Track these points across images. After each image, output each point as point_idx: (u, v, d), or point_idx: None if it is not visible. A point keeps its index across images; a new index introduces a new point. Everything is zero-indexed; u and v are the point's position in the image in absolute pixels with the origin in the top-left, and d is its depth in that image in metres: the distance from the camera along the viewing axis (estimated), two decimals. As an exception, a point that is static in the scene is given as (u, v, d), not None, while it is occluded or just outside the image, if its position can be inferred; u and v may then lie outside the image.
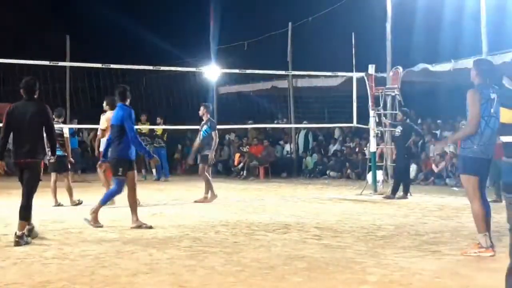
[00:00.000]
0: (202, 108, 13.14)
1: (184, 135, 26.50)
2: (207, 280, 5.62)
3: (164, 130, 20.16)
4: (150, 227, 8.80)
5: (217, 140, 12.93)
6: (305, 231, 8.54)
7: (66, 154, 12.44)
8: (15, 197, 13.85)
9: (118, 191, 9.18)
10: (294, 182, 19.44)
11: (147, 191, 15.64)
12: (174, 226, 9.08)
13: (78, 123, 19.88)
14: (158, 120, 20.27)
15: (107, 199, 9.32)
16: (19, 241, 7.49)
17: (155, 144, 20.16)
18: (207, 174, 12.77)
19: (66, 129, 12.75)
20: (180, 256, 6.76)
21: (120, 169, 8.91)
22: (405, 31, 20.46)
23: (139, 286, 5.44)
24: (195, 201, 12.66)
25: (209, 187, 12.77)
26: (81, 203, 12.16)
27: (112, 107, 11.22)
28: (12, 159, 8.14)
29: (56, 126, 12.26)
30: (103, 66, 14.46)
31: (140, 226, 8.85)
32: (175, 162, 24.30)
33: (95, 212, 8.99)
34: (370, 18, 19.96)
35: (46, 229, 8.77)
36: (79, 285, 5.46)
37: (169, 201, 13.09)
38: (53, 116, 12.01)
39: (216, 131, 12.87)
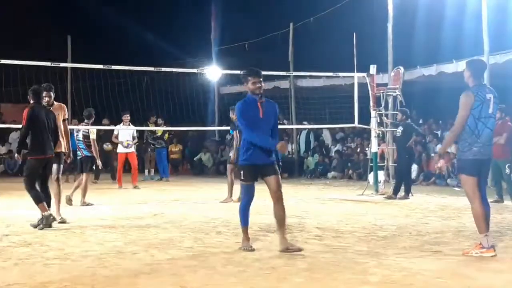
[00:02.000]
0: (231, 112, 13.18)
1: (185, 136, 26.54)
2: (209, 280, 5.62)
3: (164, 130, 20.18)
4: (299, 250, 6.99)
5: (238, 140, 12.86)
6: (307, 232, 8.54)
7: (91, 155, 12.51)
8: (16, 198, 13.88)
9: (244, 198, 7.36)
10: (295, 182, 19.43)
11: (148, 191, 15.68)
12: (176, 227, 9.07)
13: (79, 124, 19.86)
14: (159, 121, 20.28)
15: (242, 214, 7.32)
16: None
17: (156, 146, 20.19)
18: (231, 176, 12.86)
19: (93, 130, 12.79)
20: (182, 256, 6.76)
21: (241, 172, 7.31)
22: (406, 31, 20.47)
23: (140, 287, 5.44)
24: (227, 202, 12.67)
25: (231, 189, 12.87)
26: (91, 205, 12.20)
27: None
28: (38, 156, 9.02)
29: (84, 127, 12.44)
30: (105, 67, 14.45)
31: (287, 248, 7.01)
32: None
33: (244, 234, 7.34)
34: (371, 18, 19.96)
35: (47, 229, 8.74)
36: (81, 285, 5.46)
37: (171, 201, 13.09)
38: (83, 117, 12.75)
39: (237, 131, 12.84)
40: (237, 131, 12.86)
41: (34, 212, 10.39)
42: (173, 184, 18.59)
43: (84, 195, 12.26)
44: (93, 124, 13.21)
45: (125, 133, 17.11)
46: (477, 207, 6.73)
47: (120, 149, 17.28)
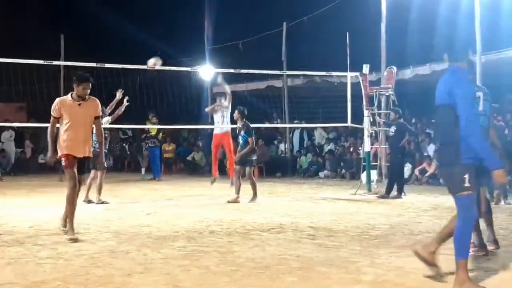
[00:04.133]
0: (236, 112, 12.98)
1: (178, 135, 26.53)
2: (202, 279, 5.62)
3: (158, 129, 20.17)
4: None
5: (253, 145, 12.80)
6: (300, 231, 8.55)
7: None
8: (9, 197, 13.87)
9: (472, 212, 5.28)
10: (288, 181, 19.45)
11: (141, 191, 15.66)
12: (169, 226, 9.07)
13: None
14: (154, 120, 20.26)
15: (466, 241, 5.32)
16: None
17: (150, 144, 20.18)
18: (253, 177, 12.81)
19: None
20: (175, 255, 6.76)
21: (464, 177, 5.15)
22: (399, 30, 20.52)
23: (133, 286, 5.44)
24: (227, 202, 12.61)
25: (252, 188, 12.73)
26: (106, 203, 12.26)
27: None
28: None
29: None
30: (98, 66, 14.42)
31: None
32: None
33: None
34: (365, 18, 19.99)
35: (40, 229, 8.74)
36: (74, 285, 5.45)
37: (164, 201, 13.09)
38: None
39: (253, 137, 12.78)
40: (253, 138, 12.75)
41: (30, 212, 10.41)
42: (166, 183, 18.58)
43: (100, 192, 12.35)
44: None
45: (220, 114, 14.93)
46: None
47: (215, 130, 15.15)
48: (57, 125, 8.24)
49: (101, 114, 8.63)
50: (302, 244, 7.43)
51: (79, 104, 8.14)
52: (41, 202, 12.69)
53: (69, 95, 8.23)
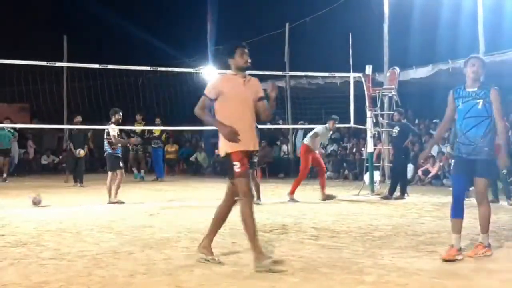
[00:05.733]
0: None
1: (181, 136, 26.55)
2: (204, 280, 5.61)
3: (162, 130, 20.18)
4: None
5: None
6: (302, 232, 8.54)
7: (112, 152, 12.51)
8: (11, 197, 13.88)
9: None
10: (291, 182, 19.38)
11: (144, 191, 15.67)
12: (172, 227, 9.07)
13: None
14: (157, 121, 20.25)
15: None
16: None
17: (153, 145, 20.18)
18: (256, 178, 12.72)
19: (112, 128, 12.65)
20: (177, 256, 6.76)
21: None
22: (402, 31, 20.51)
23: (136, 287, 5.43)
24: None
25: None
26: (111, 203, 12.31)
27: None
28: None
29: (106, 126, 12.58)
30: (101, 67, 14.43)
31: None
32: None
33: None
34: (367, 18, 20.00)
35: (43, 229, 8.74)
36: (76, 285, 5.45)
37: (167, 202, 13.09)
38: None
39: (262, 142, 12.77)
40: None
41: (33, 212, 10.41)
42: (169, 184, 18.59)
43: (110, 193, 12.37)
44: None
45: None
46: (489, 207, 6.69)
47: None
48: None
49: (263, 94, 6.58)
50: (305, 245, 7.43)
51: (244, 82, 6.38)
52: (43, 202, 12.69)
53: (229, 72, 6.50)
